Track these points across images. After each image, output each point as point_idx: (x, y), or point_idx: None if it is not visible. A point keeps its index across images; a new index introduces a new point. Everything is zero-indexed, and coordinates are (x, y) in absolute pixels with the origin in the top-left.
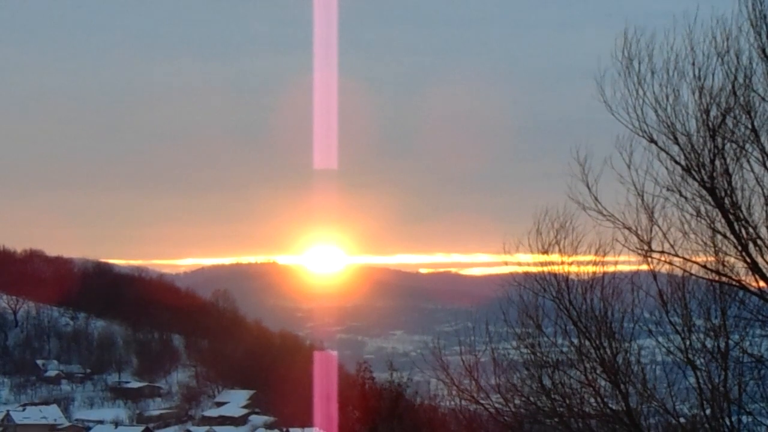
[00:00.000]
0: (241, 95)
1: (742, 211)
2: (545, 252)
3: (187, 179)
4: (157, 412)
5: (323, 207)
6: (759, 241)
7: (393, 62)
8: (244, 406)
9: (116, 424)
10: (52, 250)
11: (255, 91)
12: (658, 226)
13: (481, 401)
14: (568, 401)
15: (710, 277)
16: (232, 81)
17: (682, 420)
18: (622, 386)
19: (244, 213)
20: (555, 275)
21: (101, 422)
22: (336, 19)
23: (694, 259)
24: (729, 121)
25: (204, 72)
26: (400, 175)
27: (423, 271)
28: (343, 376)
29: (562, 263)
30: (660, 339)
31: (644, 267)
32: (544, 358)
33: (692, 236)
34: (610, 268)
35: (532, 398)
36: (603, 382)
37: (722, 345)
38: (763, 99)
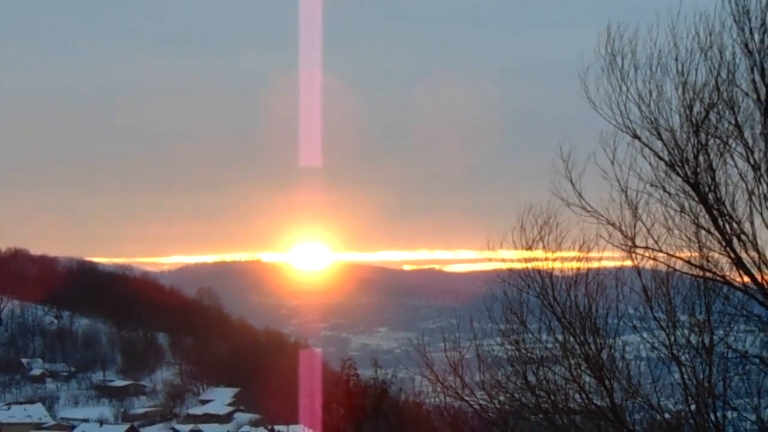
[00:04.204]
0: (225, 93)
1: (726, 207)
2: (529, 248)
3: (170, 177)
4: (142, 411)
5: (308, 204)
6: (743, 237)
7: (378, 60)
8: (229, 404)
9: (101, 422)
10: (36, 249)
11: (240, 89)
12: (642, 222)
13: (466, 398)
14: (552, 397)
15: (694, 273)
16: (217, 78)
17: (666, 416)
18: (606, 382)
19: (228, 210)
20: (539, 271)
21: (86, 421)
22: (321, 17)
23: (678, 254)
24: (712, 117)
25: (188, 69)
26: (384, 172)
27: (407, 267)
28: (328, 373)
29: (546, 259)
30: (644, 335)
31: (628, 263)
32: (529, 354)
33: (676, 232)
34: (594, 264)
35: (516, 395)
36: (588, 379)
37: (707, 340)
38: (747, 94)
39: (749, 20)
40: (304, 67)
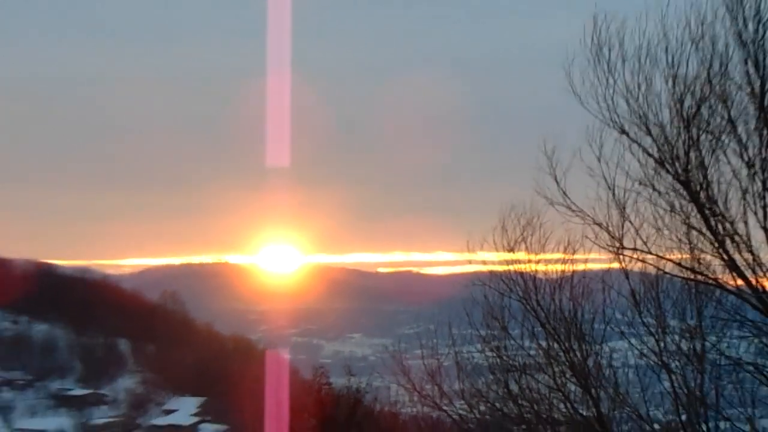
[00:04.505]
0: (189, 89)
1: (718, 206)
2: (511, 250)
3: (132, 174)
4: (102, 421)
5: (277, 205)
6: (736, 237)
7: (348, 55)
8: (194, 414)
9: None
10: None
11: (205, 86)
12: (630, 222)
13: (444, 407)
14: (536, 407)
15: (685, 276)
16: (180, 74)
17: (656, 426)
18: (593, 391)
19: (193, 210)
20: (522, 274)
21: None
22: (290, 11)
23: (668, 256)
24: (704, 111)
25: (151, 62)
26: (356, 171)
27: (382, 270)
28: (299, 381)
29: (529, 261)
30: (633, 341)
31: (616, 265)
32: (511, 361)
33: (666, 232)
34: (580, 267)
35: (498, 404)
36: (573, 387)
37: (698, 347)
38: (740, 87)
39: (743, 9)
40: (272, 64)
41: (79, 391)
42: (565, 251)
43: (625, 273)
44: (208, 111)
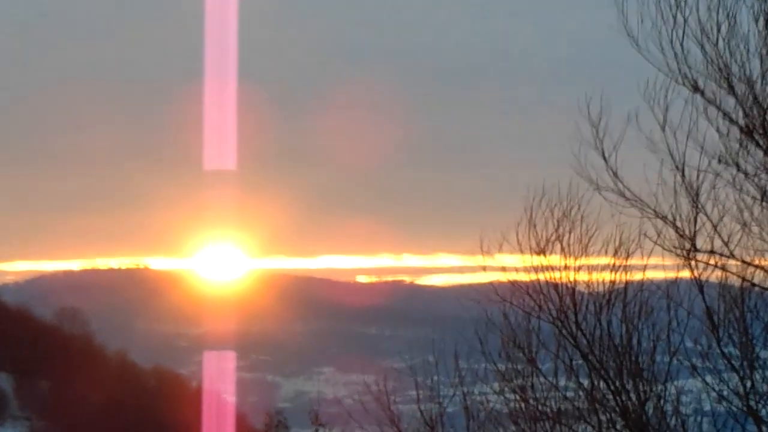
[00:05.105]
0: (130, 86)
1: None
2: (541, 252)
3: (17, 151)
4: None
5: (218, 204)
6: None
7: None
8: None
9: None
10: None
11: (148, 84)
12: (706, 215)
13: None
14: None
15: None
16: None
17: None
18: None
19: (105, 202)
20: (556, 286)
21: None
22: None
23: (757, 262)
24: None
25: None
26: (325, 146)
27: (362, 279)
28: (247, 431)
29: (566, 268)
30: (709, 379)
31: (686, 274)
32: (540, 407)
33: (756, 230)
34: (637, 276)
35: None
36: None
37: None
38: None
39: None
40: (211, 67)
41: None
42: (615, 255)
43: (699, 285)
44: (147, 111)
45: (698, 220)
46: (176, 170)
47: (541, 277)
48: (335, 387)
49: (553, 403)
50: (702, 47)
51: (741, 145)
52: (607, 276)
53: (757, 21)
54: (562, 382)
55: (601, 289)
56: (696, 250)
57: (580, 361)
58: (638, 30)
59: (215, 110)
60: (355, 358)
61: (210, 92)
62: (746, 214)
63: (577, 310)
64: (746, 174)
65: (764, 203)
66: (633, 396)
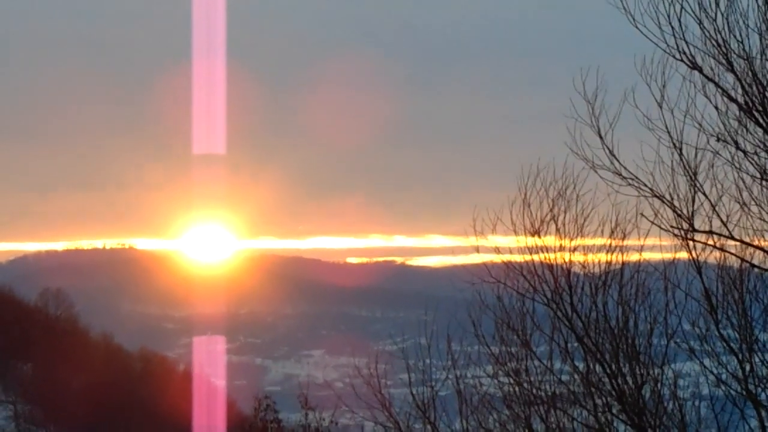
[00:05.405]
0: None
1: None
2: (536, 233)
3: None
4: None
5: (208, 186)
6: None
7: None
8: None
9: None
10: None
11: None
12: (704, 194)
13: None
14: None
15: None
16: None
17: None
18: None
19: (89, 181)
20: (551, 267)
21: None
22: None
23: (757, 243)
24: None
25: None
26: (316, 126)
27: (352, 260)
28: (235, 416)
29: (561, 249)
30: (707, 362)
31: (684, 255)
32: (535, 391)
33: (755, 209)
34: (633, 257)
35: None
36: (622, 427)
37: None
38: None
39: None
40: (199, 50)
41: None
42: (611, 235)
43: (697, 266)
44: (134, 90)
45: (696, 199)
46: (164, 150)
47: (536, 258)
48: (325, 370)
49: (547, 387)
50: (700, 23)
51: (740, 122)
52: (603, 257)
53: None
54: (557, 366)
55: (597, 270)
56: (694, 230)
57: (576, 344)
58: (635, 4)
59: (204, 93)
60: (346, 341)
61: (198, 73)
62: (745, 194)
63: (573, 291)
64: (745, 152)
65: (764, 182)
66: (629, 380)
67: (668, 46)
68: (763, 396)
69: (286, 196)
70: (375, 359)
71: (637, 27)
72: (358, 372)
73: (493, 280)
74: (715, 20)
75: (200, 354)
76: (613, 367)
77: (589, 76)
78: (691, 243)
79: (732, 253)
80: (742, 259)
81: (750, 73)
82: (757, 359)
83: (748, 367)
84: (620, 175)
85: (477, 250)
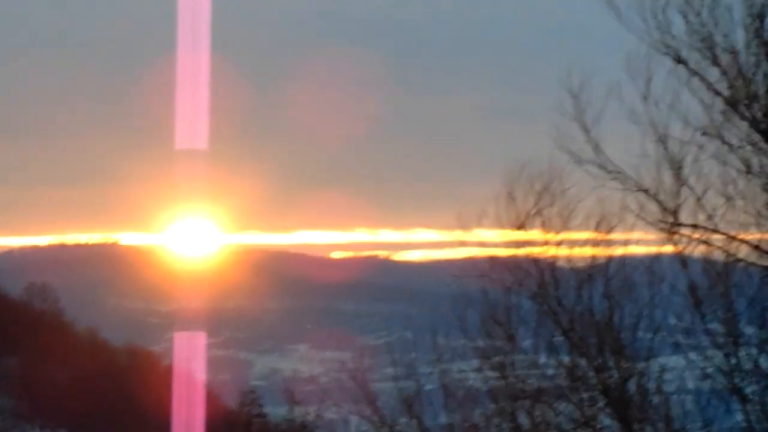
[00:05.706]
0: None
1: None
2: (521, 227)
3: None
4: None
5: (192, 180)
6: None
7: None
8: None
9: None
10: None
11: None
12: (689, 188)
13: None
14: None
15: (766, 264)
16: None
17: None
18: (635, 425)
19: (74, 176)
20: (536, 261)
21: None
22: None
23: (742, 236)
24: None
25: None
26: (300, 120)
27: (337, 255)
28: (220, 410)
29: (547, 243)
30: (692, 356)
31: (669, 248)
32: (520, 385)
33: (740, 203)
34: (619, 251)
35: None
36: (608, 421)
37: None
38: None
39: None
40: (184, 42)
41: None
42: (597, 229)
43: (682, 260)
44: (117, 83)
45: (681, 193)
46: (147, 145)
47: (521, 252)
48: (310, 364)
49: (533, 381)
50: (685, 17)
51: (725, 116)
52: (588, 251)
53: None
54: (542, 360)
55: (582, 264)
56: (679, 224)
57: (561, 338)
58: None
59: (188, 89)
60: (331, 335)
61: (182, 68)
62: (730, 187)
63: (558, 285)
64: (730, 146)
65: (749, 176)
66: (615, 373)
67: (654, 39)
68: (748, 390)
69: (270, 191)
70: (360, 354)
71: (622, 22)
72: (343, 366)
73: (478, 274)
74: (699, 15)
75: (181, 349)
76: (599, 361)
77: (575, 71)
78: (676, 237)
79: (717, 247)
80: (728, 253)
81: (735, 67)
82: (742, 353)
83: (733, 361)
84: (605, 169)
85: (462, 244)
